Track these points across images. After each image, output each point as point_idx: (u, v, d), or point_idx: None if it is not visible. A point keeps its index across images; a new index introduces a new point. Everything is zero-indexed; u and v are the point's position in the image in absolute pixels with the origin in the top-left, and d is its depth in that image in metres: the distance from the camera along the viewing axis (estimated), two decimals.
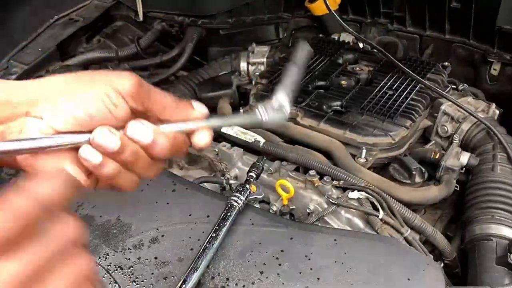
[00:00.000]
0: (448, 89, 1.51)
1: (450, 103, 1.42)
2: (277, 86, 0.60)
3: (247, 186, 1.06)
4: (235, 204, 1.00)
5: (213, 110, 1.59)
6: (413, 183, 1.25)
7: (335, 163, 1.29)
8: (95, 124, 0.53)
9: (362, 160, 1.29)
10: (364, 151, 1.29)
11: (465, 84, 1.59)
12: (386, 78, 1.51)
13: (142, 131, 0.54)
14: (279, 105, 0.58)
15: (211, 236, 0.92)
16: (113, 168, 0.54)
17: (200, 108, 0.60)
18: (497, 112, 1.46)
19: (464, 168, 1.30)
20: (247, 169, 1.31)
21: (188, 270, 0.86)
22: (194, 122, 0.58)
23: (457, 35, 1.71)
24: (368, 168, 1.29)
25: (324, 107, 1.43)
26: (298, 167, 1.31)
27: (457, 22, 1.67)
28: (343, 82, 1.55)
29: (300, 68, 0.62)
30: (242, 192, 1.03)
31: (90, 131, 0.52)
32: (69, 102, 0.52)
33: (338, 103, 1.45)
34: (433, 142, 1.44)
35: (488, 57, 1.61)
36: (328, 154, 1.32)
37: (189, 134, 0.58)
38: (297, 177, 1.27)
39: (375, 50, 1.67)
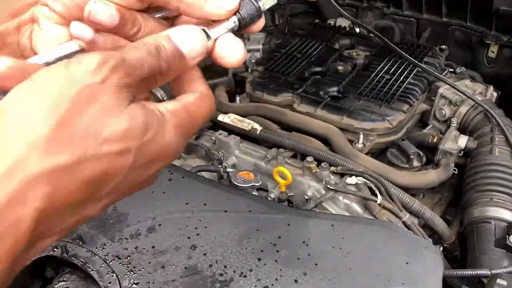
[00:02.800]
0: (446, 72, 1.50)
1: (448, 86, 1.41)
2: None
3: None
4: None
5: None
6: (411, 167, 1.25)
7: (332, 149, 1.28)
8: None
9: (360, 145, 1.28)
10: (361, 136, 1.28)
11: (462, 67, 1.58)
12: (383, 63, 1.50)
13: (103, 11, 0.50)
14: None
15: None
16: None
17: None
18: (495, 94, 1.45)
19: (462, 151, 1.29)
20: (245, 157, 1.31)
21: None
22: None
23: (454, 18, 1.70)
24: (366, 154, 1.28)
25: (321, 93, 1.42)
26: (295, 154, 1.31)
27: (454, 4, 1.66)
28: (339, 67, 1.54)
29: None
30: None
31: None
32: None
33: (335, 88, 1.44)
34: (431, 126, 1.43)
35: (486, 40, 1.59)
36: (325, 141, 1.31)
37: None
38: (294, 164, 1.26)
39: (371, 35, 1.66)
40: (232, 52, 0.51)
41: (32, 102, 0.37)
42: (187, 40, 0.46)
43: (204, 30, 0.48)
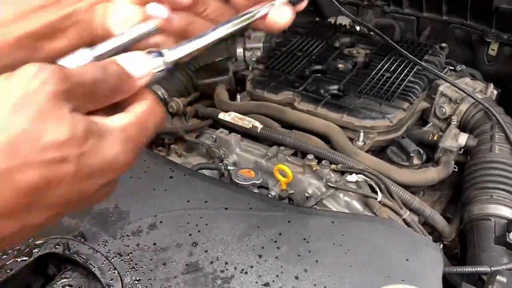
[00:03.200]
0: (446, 70, 1.50)
1: (448, 84, 1.41)
2: None
3: None
4: None
5: (210, 96, 1.59)
6: (411, 165, 1.25)
7: (333, 147, 1.29)
8: None
9: (360, 143, 1.28)
10: (362, 134, 1.28)
11: (462, 65, 1.58)
12: (383, 61, 1.51)
13: None
14: None
15: None
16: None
17: None
18: (495, 92, 1.45)
19: (462, 149, 1.30)
20: (246, 155, 1.32)
21: None
22: None
23: (455, 16, 1.70)
24: (366, 151, 1.28)
25: (322, 91, 1.43)
26: (296, 152, 1.31)
27: (455, 2, 1.66)
28: (340, 65, 1.54)
29: None
30: None
31: None
32: None
33: (336, 86, 1.45)
34: (431, 123, 1.44)
35: (486, 38, 1.60)
36: (326, 138, 1.32)
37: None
38: (295, 162, 1.27)
39: (372, 33, 1.66)
40: (282, 17, 0.58)
41: None
42: (134, 63, 0.47)
43: (160, 53, 0.51)
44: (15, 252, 0.89)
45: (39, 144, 0.38)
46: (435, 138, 1.31)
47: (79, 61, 0.52)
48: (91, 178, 0.43)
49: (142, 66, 0.48)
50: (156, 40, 0.59)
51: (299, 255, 0.89)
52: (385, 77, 1.44)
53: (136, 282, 0.85)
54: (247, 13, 0.58)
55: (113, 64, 0.46)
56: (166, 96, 1.57)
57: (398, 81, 1.41)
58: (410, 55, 1.45)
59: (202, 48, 0.54)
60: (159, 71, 0.50)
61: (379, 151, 1.36)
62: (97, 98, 0.45)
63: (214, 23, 0.59)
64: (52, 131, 0.39)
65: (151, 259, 0.89)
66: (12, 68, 0.45)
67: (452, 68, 1.57)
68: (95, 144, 0.42)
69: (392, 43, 1.49)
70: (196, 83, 1.66)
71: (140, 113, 0.48)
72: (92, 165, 0.42)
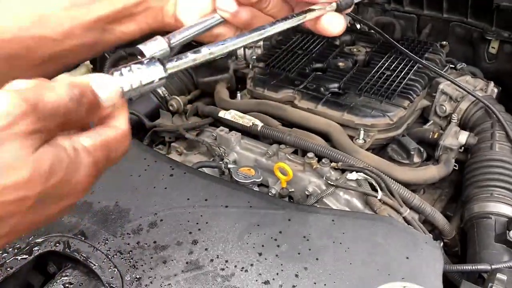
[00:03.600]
0: (446, 68, 1.50)
1: (448, 82, 1.41)
2: None
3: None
4: None
5: (210, 94, 1.59)
6: (412, 163, 1.25)
7: (333, 145, 1.28)
8: None
9: (360, 141, 1.28)
10: (362, 132, 1.28)
11: (463, 63, 1.58)
12: (384, 59, 1.50)
13: None
14: None
15: None
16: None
17: None
18: (496, 90, 1.45)
19: (463, 147, 1.30)
20: (246, 153, 1.32)
21: None
22: None
23: (455, 14, 1.70)
24: (367, 149, 1.28)
25: (322, 89, 1.42)
26: (296, 150, 1.31)
27: (455, 0, 1.66)
28: (340, 63, 1.54)
29: None
30: None
31: None
32: None
33: (336, 85, 1.45)
34: (431, 122, 1.43)
35: (486, 35, 1.59)
36: (326, 137, 1.32)
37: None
38: (295, 160, 1.27)
39: (372, 31, 1.66)
40: (335, 25, 0.63)
41: None
42: (106, 88, 0.47)
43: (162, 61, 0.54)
44: (15, 250, 0.89)
45: None
46: (435, 136, 1.30)
47: (156, 48, 0.56)
48: (52, 204, 0.43)
49: (113, 93, 0.48)
50: (220, 31, 0.63)
51: (299, 253, 0.89)
52: (385, 75, 1.44)
53: (136, 280, 0.85)
54: (301, 13, 0.63)
55: (88, 93, 0.45)
56: (166, 94, 1.57)
57: (398, 79, 1.41)
58: (410, 53, 1.44)
59: (249, 44, 0.61)
60: (149, 83, 0.52)
61: (379, 149, 1.35)
62: (68, 125, 0.44)
63: (273, 18, 0.63)
64: (14, 173, 0.38)
65: (151, 257, 0.89)
66: (81, 49, 0.49)
67: (453, 66, 1.56)
68: (62, 176, 0.42)
69: (393, 41, 1.49)
70: (196, 81, 1.66)
71: (110, 138, 0.47)
72: (55, 194, 0.42)
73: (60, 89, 0.42)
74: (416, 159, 1.25)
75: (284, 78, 1.48)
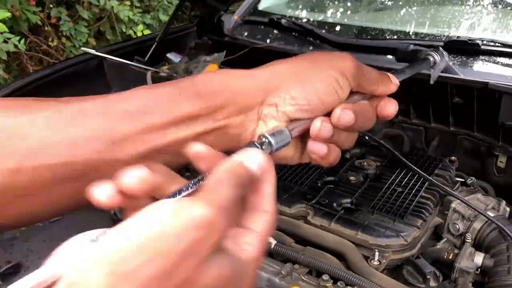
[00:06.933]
0: (457, 186, 1.52)
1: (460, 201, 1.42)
2: None
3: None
4: None
5: None
6: (428, 287, 1.23)
7: (348, 266, 1.27)
8: (325, 108, 0.59)
9: (376, 263, 1.27)
10: (377, 253, 1.27)
11: (473, 178, 1.60)
12: (394, 174, 1.53)
13: (347, 116, 0.59)
14: None
15: None
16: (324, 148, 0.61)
17: (395, 80, 0.67)
18: (508, 209, 1.45)
19: (479, 269, 1.28)
20: (258, 272, 1.30)
21: None
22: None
23: (462, 128, 1.75)
24: (382, 271, 1.27)
25: (335, 204, 1.44)
26: (310, 270, 1.30)
27: (461, 116, 1.71)
28: (351, 178, 1.56)
29: None
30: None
31: (313, 117, 0.59)
32: (301, 88, 0.58)
33: (348, 200, 1.46)
34: (445, 239, 1.43)
35: (494, 151, 1.63)
36: (340, 256, 1.31)
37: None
38: (310, 281, 1.25)
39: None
40: (390, 109, 0.67)
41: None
42: (255, 161, 0.46)
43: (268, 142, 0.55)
44: None
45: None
46: (450, 257, 1.29)
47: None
48: None
49: (264, 163, 0.46)
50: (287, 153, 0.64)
51: None
52: (396, 192, 1.45)
53: None
54: None
55: (245, 172, 0.44)
56: None
57: (410, 196, 1.42)
58: (420, 171, 1.47)
59: None
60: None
61: (393, 269, 1.34)
62: (235, 219, 0.42)
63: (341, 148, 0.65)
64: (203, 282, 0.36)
65: None
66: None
67: (463, 180, 1.58)
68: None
69: (402, 158, 1.52)
70: None
71: (262, 232, 0.44)
72: None
73: (229, 181, 0.41)
74: (432, 283, 1.23)
75: (296, 192, 1.50)
